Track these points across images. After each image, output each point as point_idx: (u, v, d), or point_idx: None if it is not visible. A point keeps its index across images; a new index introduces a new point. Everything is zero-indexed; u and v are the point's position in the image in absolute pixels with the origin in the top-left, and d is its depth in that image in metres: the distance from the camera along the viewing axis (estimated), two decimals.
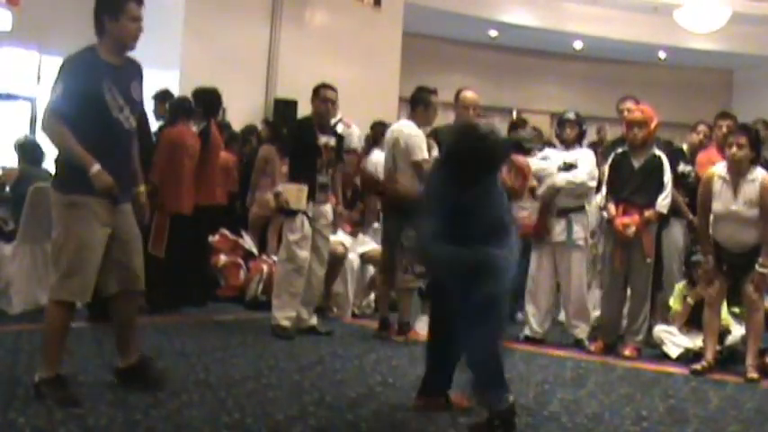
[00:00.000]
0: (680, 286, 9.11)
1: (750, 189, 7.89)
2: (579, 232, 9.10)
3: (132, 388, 6.01)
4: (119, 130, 5.86)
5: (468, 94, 9.31)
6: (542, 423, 6.06)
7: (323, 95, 8.93)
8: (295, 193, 8.62)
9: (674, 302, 9.09)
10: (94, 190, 5.67)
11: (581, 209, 9.15)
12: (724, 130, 9.41)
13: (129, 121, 5.92)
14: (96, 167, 5.63)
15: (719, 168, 8.07)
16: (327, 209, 8.95)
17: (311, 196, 8.68)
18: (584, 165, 9.01)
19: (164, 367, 6.61)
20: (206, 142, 9.90)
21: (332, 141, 8.94)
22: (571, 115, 9.32)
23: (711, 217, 8.12)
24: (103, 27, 5.84)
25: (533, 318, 9.25)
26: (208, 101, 10.23)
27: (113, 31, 5.82)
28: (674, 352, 8.60)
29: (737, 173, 7.94)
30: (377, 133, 14.80)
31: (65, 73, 5.75)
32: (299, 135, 8.98)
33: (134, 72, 6.05)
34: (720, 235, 8.11)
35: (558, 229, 9.10)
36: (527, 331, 9.25)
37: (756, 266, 7.93)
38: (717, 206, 8.03)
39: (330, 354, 7.86)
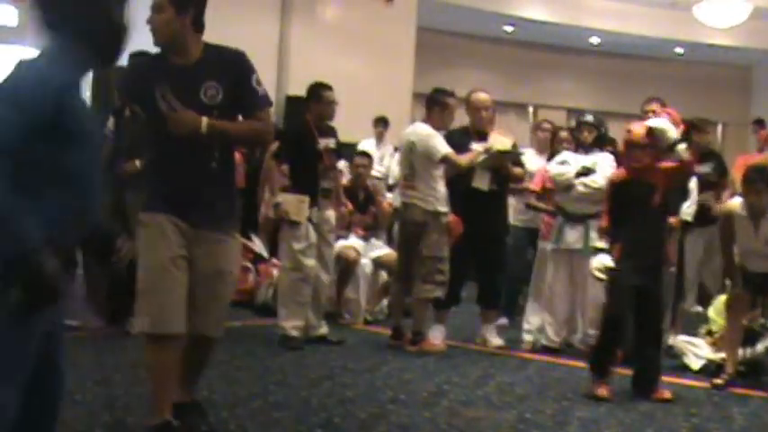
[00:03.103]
0: (722, 298, 8.80)
1: None
2: (596, 240, 8.81)
3: (134, 412, 5.76)
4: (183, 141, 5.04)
5: (481, 96, 9.10)
6: None
7: (328, 98, 8.70)
8: (296, 204, 8.41)
9: (715, 315, 8.82)
10: (164, 206, 5.07)
11: (599, 215, 8.85)
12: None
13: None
14: None
15: (738, 205, 7.90)
16: (331, 214, 8.74)
17: (313, 202, 8.47)
18: (603, 169, 8.75)
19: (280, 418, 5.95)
20: None
21: (332, 144, 8.70)
22: (589, 118, 9.09)
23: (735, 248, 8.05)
24: None
25: (550, 327, 9.03)
26: None
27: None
28: (695, 364, 8.35)
29: (758, 214, 7.79)
30: (379, 129, 14.70)
31: None
32: (297, 140, 8.70)
33: (214, 70, 5.13)
34: (746, 263, 8.03)
35: (575, 236, 8.85)
36: (544, 341, 9.04)
37: None
38: (739, 242, 7.97)
39: (340, 367, 7.64)
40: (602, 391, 6.98)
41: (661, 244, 7.54)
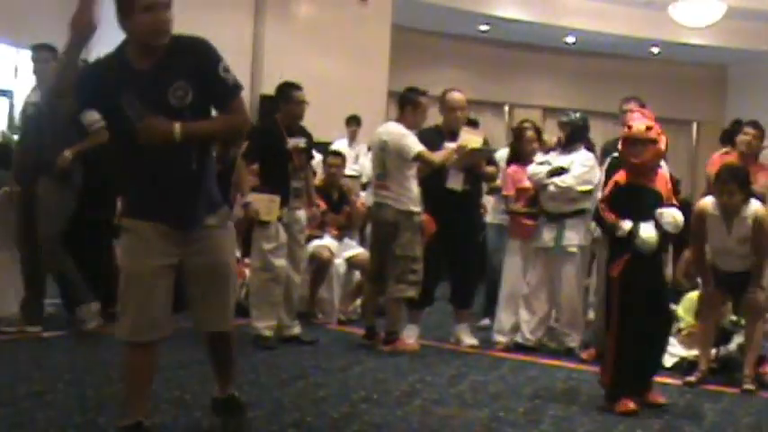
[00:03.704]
0: (692, 296, 8.93)
1: (743, 226, 7.81)
2: (572, 239, 8.90)
3: (106, 412, 5.75)
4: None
5: (456, 95, 9.12)
6: None
7: (297, 98, 8.69)
8: (266, 204, 8.39)
9: (684, 313, 8.91)
10: (147, 213, 4.98)
11: (577, 214, 8.93)
12: (750, 138, 9.32)
13: None
14: None
15: (711, 204, 7.94)
16: (302, 214, 8.73)
17: (284, 202, 8.46)
18: (576, 169, 8.80)
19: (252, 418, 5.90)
20: None
21: (302, 143, 8.70)
22: (563, 117, 9.17)
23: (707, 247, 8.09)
24: (125, 30, 4.91)
25: (526, 325, 9.07)
26: None
27: (129, 31, 4.86)
28: (668, 361, 8.37)
29: (731, 214, 7.84)
30: (352, 128, 14.72)
31: None
32: (266, 140, 8.65)
33: (179, 66, 4.93)
34: (717, 262, 8.10)
35: (549, 235, 8.91)
36: (519, 339, 9.09)
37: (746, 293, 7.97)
38: (711, 241, 8.01)
39: (313, 366, 7.65)
40: (630, 404, 6.70)
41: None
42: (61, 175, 8.19)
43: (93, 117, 7.95)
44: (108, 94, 4.85)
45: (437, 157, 8.63)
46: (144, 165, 4.91)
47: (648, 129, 6.90)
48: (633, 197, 6.92)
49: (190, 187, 5.01)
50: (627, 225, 6.79)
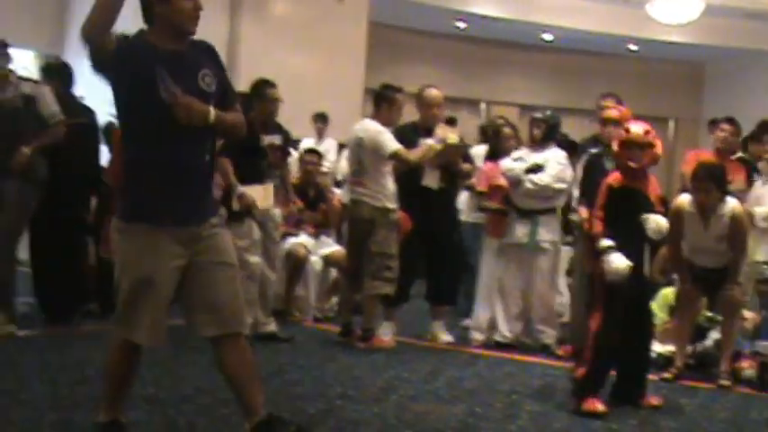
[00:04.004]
0: (666, 292, 9.02)
1: (720, 224, 7.88)
2: (545, 235, 8.99)
3: (80, 410, 5.75)
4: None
5: (433, 92, 9.17)
6: None
7: (271, 95, 8.71)
8: (261, 192, 8.40)
9: (658, 309, 8.94)
10: (155, 210, 4.86)
11: (550, 211, 9.02)
12: (726, 134, 9.39)
13: None
14: None
15: (688, 202, 7.99)
16: (276, 212, 8.77)
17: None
18: (552, 167, 8.87)
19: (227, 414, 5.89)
20: None
21: (277, 140, 8.71)
22: (538, 114, 9.22)
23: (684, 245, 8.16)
24: (152, 12, 4.88)
25: (502, 322, 9.13)
26: None
27: (165, 14, 4.84)
28: None
29: (707, 212, 7.90)
30: (318, 125, 14.75)
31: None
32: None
33: (203, 58, 5.02)
34: (693, 259, 8.18)
35: (523, 232, 8.97)
36: (497, 336, 9.15)
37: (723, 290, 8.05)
38: (688, 238, 8.08)
39: (289, 363, 7.68)
40: (599, 405, 6.59)
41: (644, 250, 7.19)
42: (21, 171, 8.13)
43: (51, 110, 7.96)
44: (143, 65, 4.76)
45: (413, 155, 8.66)
46: (161, 151, 4.82)
47: (647, 133, 6.82)
48: (627, 200, 6.83)
49: (201, 179, 4.99)
50: (605, 243, 6.69)
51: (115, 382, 5.09)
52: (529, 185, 8.86)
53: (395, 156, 8.56)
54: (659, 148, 6.88)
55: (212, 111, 4.80)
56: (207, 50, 5.05)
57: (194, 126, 4.76)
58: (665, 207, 7.73)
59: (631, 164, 6.80)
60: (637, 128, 6.86)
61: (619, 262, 6.58)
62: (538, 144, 9.07)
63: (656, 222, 6.76)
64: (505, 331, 9.10)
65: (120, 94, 4.85)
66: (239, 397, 5.13)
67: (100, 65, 4.77)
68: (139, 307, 4.86)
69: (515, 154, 9.22)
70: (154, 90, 4.71)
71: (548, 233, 8.99)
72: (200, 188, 4.99)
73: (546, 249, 9.02)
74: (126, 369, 5.08)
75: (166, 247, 4.85)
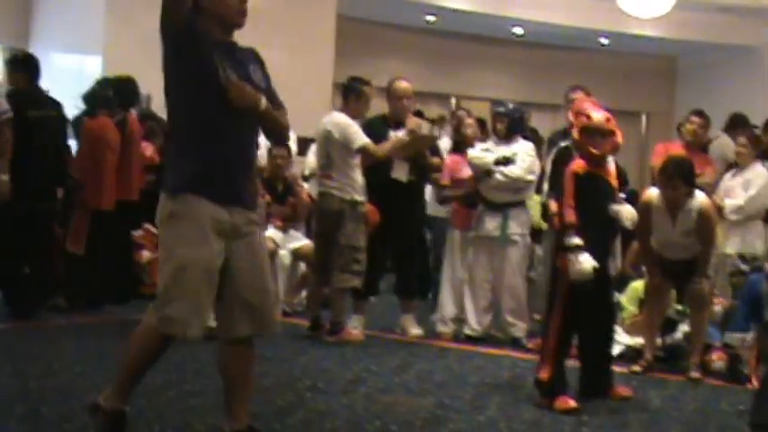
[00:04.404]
0: (636, 285, 9.09)
1: (688, 219, 7.96)
2: (515, 228, 9.09)
3: (48, 402, 5.80)
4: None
5: (402, 84, 9.26)
6: (479, 428, 6.03)
7: None
8: None
9: (627, 302, 9.06)
10: (207, 183, 4.85)
11: (519, 204, 9.13)
12: (695, 126, 9.52)
13: None
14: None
15: (656, 196, 8.07)
16: None
17: None
18: (522, 158, 8.96)
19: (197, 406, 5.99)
20: (123, 134, 9.70)
21: None
22: (500, 108, 9.29)
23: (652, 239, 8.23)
24: (199, 5, 4.91)
25: (471, 315, 9.22)
26: (123, 90, 9.98)
27: (212, 7, 4.93)
28: (614, 349, 8.52)
29: (675, 207, 7.98)
30: None
31: None
32: None
33: (251, 58, 5.16)
34: (662, 252, 8.25)
35: (494, 225, 9.07)
36: (466, 330, 9.23)
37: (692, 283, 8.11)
38: (656, 232, 8.16)
39: (258, 356, 7.61)
40: (571, 402, 6.61)
41: (612, 240, 7.29)
42: None
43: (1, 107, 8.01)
44: (202, 45, 4.86)
45: (381, 149, 8.74)
46: (218, 132, 4.88)
47: (608, 120, 6.84)
48: (593, 187, 6.82)
49: (249, 167, 5.07)
50: (574, 241, 6.64)
51: (133, 370, 5.08)
52: (500, 177, 8.94)
53: (363, 149, 8.64)
54: (620, 137, 6.91)
55: (263, 99, 4.88)
56: (254, 54, 5.19)
57: (244, 112, 4.84)
58: (635, 199, 7.87)
59: (594, 151, 6.80)
60: (598, 115, 6.86)
61: (584, 264, 6.56)
62: (503, 138, 9.15)
63: (629, 212, 6.88)
64: (474, 324, 9.19)
65: (178, 65, 4.90)
66: (230, 400, 5.15)
67: (170, 25, 4.83)
68: (181, 292, 4.84)
69: (482, 145, 9.30)
70: (210, 70, 4.81)
71: (518, 226, 9.09)
72: (245, 175, 5.02)
73: (516, 241, 9.11)
74: (150, 358, 5.07)
75: (211, 235, 4.84)
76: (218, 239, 4.85)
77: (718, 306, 8.60)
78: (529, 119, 9.81)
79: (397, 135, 8.87)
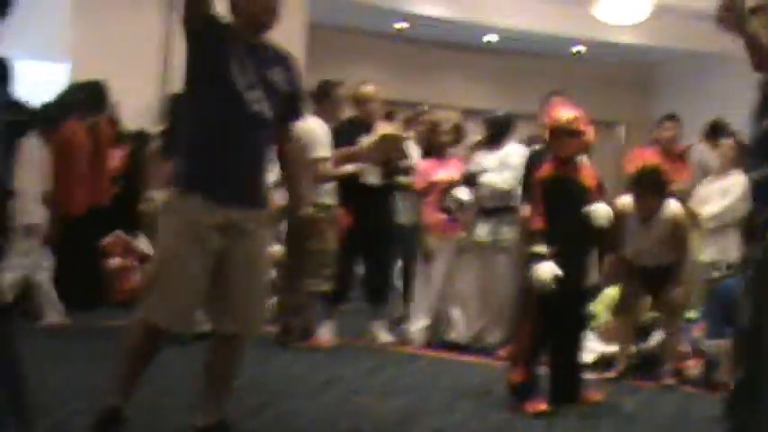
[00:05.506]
0: (610, 292, 9.18)
1: (661, 227, 8.12)
2: (507, 233, 9.23)
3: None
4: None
5: (368, 88, 9.46)
6: (451, 429, 6.18)
7: None
8: None
9: (601, 309, 9.19)
10: (210, 181, 5.04)
11: (511, 209, 9.24)
12: (670, 133, 9.69)
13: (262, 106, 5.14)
14: None
15: (629, 204, 8.20)
16: None
17: None
18: (514, 166, 9.15)
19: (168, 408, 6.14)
20: (94, 139, 9.82)
21: None
22: (486, 116, 9.57)
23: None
24: (233, 3, 5.19)
25: (460, 322, 9.39)
26: (95, 95, 10.11)
27: (240, 5, 5.18)
28: (588, 357, 8.65)
29: (647, 217, 8.13)
30: None
31: None
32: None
33: (278, 60, 5.32)
34: (636, 260, 8.40)
35: (485, 231, 9.27)
36: (452, 335, 9.40)
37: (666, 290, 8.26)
38: (629, 241, 8.30)
39: None
40: (542, 405, 6.73)
41: (587, 246, 7.20)
42: None
43: None
44: (221, 46, 5.06)
45: (331, 171, 8.91)
46: (227, 131, 5.05)
47: (575, 120, 6.87)
48: (560, 190, 6.88)
49: (254, 166, 5.19)
50: (537, 249, 6.74)
51: (133, 366, 5.24)
52: (503, 186, 9.18)
53: (316, 162, 8.72)
54: (589, 136, 6.99)
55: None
56: (283, 57, 5.34)
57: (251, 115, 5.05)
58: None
59: (560, 153, 6.90)
60: (565, 114, 6.91)
61: (545, 272, 6.62)
62: (489, 145, 9.35)
63: (605, 211, 6.89)
64: (462, 331, 9.36)
65: (195, 62, 5.13)
66: (209, 395, 5.34)
67: (191, 21, 5.07)
68: (165, 287, 5.02)
69: (476, 158, 9.52)
70: (223, 72, 5.01)
71: (509, 231, 9.19)
72: (250, 174, 5.18)
73: (507, 248, 9.20)
74: (145, 352, 5.21)
75: (206, 233, 4.99)
76: (211, 236, 4.99)
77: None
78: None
79: (363, 142, 9.07)
